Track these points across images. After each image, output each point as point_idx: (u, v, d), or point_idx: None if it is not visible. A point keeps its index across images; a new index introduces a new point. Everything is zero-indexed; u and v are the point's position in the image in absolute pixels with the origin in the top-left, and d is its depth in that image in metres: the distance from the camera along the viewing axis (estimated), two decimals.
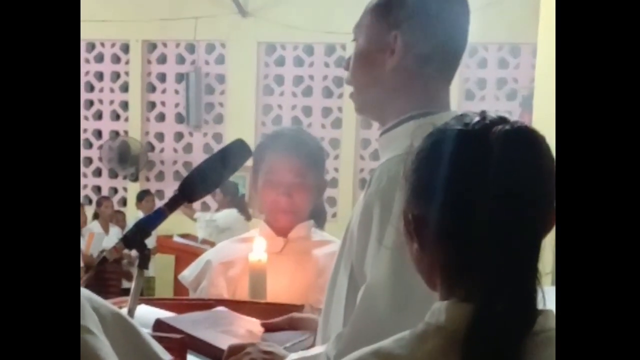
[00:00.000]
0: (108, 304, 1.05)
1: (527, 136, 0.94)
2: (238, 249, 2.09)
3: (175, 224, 6.33)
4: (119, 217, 7.87)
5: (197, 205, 7.71)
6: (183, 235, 7.23)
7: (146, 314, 1.62)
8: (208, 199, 7.90)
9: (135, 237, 1.50)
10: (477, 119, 0.96)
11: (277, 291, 1.96)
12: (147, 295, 5.71)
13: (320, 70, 8.18)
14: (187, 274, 2.11)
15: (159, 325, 1.56)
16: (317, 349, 1.43)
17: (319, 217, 2.17)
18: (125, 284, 7.27)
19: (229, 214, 6.98)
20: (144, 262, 1.51)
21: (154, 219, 1.53)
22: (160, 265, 7.17)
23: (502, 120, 0.95)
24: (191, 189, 1.56)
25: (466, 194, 0.93)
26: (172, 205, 1.54)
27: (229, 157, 1.63)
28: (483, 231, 0.91)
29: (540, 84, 5.74)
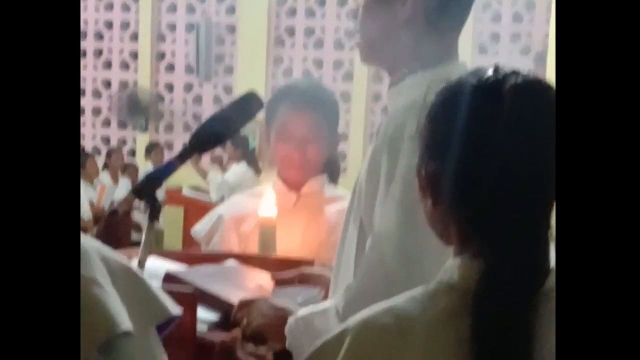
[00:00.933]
0: (117, 255, 1.03)
1: (539, 88, 0.93)
2: (250, 204, 2.07)
3: (184, 177, 6.33)
4: (130, 169, 7.86)
5: (207, 158, 7.71)
6: (192, 188, 7.24)
7: (156, 267, 1.61)
8: (218, 150, 7.90)
9: (146, 189, 1.48)
10: (490, 73, 0.95)
11: (288, 247, 1.94)
12: (156, 247, 5.73)
13: (332, 22, 8.09)
14: (199, 229, 2.10)
15: (168, 278, 1.55)
16: (327, 303, 1.42)
17: (332, 172, 2.13)
18: (135, 236, 7.30)
19: (238, 170, 6.97)
20: (154, 214, 1.49)
21: (165, 170, 1.51)
22: (169, 218, 7.19)
23: (516, 73, 0.94)
24: (202, 141, 1.54)
25: (480, 149, 0.92)
26: (183, 157, 1.52)
27: (241, 109, 1.60)
28: (496, 187, 0.90)
29: (554, 39, 5.66)
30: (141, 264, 1.45)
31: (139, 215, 7.21)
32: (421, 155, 1.00)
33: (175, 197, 6.99)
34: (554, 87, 0.93)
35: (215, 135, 1.55)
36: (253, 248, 1.97)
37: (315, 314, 1.41)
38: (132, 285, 1.01)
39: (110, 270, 0.98)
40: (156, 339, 1.03)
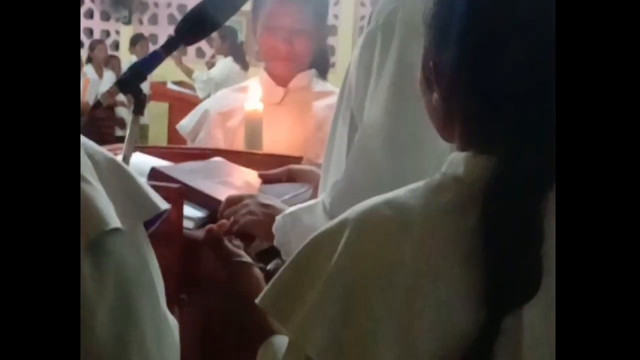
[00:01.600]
0: (103, 149, 1.00)
1: None
2: (236, 99, 2.03)
3: (169, 71, 6.24)
4: (113, 62, 7.73)
5: (192, 51, 7.57)
6: (177, 83, 7.14)
7: (141, 163, 1.58)
8: (203, 44, 7.76)
9: (131, 81, 1.44)
10: None
11: (275, 143, 1.92)
12: (140, 143, 5.69)
13: None
14: (185, 124, 2.07)
15: (154, 173, 1.52)
16: (314, 200, 1.40)
17: (321, 66, 2.08)
18: (118, 132, 7.25)
19: (224, 66, 6.87)
20: (139, 108, 1.45)
21: (150, 62, 1.46)
22: (153, 113, 7.12)
23: None
24: (188, 31, 1.48)
25: (492, 38, 0.88)
26: (169, 47, 1.47)
27: None
28: (509, 78, 0.87)
29: None
30: (126, 159, 1.42)
31: (124, 111, 7.14)
32: (429, 44, 0.95)
33: (160, 92, 6.90)
34: None
35: (201, 24, 1.49)
36: (239, 144, 1.95)
37: (303, 209, 1.39)
38: (119, 181, 0.98)
39: (97, 166, 0.95)
40: (144, 235, 1.02)
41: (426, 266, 0.86)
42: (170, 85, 7.09)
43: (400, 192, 0.92)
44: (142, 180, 1.04)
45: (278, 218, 1.41)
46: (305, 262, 0.91)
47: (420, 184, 0.92)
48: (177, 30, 1.48)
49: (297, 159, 1.81)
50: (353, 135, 1.35)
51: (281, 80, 2.00)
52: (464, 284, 0.85)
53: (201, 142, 2.01)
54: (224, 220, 1.36)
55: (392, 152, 1.25)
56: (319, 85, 2.04)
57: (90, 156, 0.95)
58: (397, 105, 1.24)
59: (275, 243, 1.41)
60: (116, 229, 0.91)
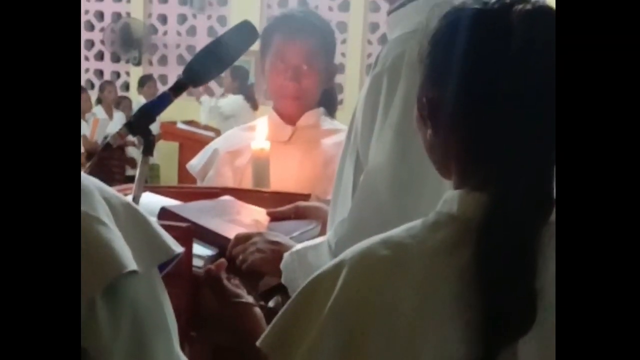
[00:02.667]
0: (118, 194, 1.02)
1: (549, 15, 0.90)
2: (245, 138, 2.05)
3: (179, 111, 6.26)
4: (124, 103, 7.79)
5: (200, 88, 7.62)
6: (187, 122, 7.19)
7: (151, 202, 1.60)
8: (212, 84, 7.82)
9: (140, 123, 1.46)
10: None
11: (284, 181, 1.93)
12: (151, 182, 5.72)
13: None
14: (195, 163, 2.08)
15: (164, 213, 1.54)
16: (321, 237, 1.41)
17: (329, 104, 2.10)
18: (129, 171, 7.29)
19: (235, 101, 6.90)
20: (148, 149, 1.47)
21: (159, 103, 1.48)
22: (164, 153, 7.16)
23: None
24: (196, 73, 1.51)
25: (485, 76, 0.90)
26: (177, 89, 1.49)
27: (235, 39, 1.56)
28: (502, 115, 0.88)
29: None
30: (136, 199, 1.44)
31: (135, 151, 7.18)
32: (423, 81, 0.97)
33: (170, 131, 6.95)
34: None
35: (209, 66, 1.51)
36: (247, 182, 1.96)
37: (309, 247, 1.40)
38: (134, 224, 0.99)
39: (114, 209, 0.96)
40: (158, 278, 1.02)
41: (423, 304, 0.87)
42: (180, 125, 7.14)
43: (396, 231, 0.93)
44: (157, 224, 1.05)
45: (286, 255, 1.42)
46: (304, 305, 0.92)
47: (416, 222, 0.93)
48: (185, 72, 1.51)
49: (306, 197, 1.82)
50: (359, 175, 1.37)
51: (289, 118, 2.02)
52: (461, 320, 0.86)
53: (210, 180, 2.02)
54: (222, 260, 1.37)
55: (397, 192, 1.27)
56: (327, 123, 2.06)
57: (107, 200, 0.96)
58: (401, 146, 1.26)
59: (282, 280, 1.42)
60: (132, 272, 0.92)
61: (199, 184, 2.07)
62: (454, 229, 0.90)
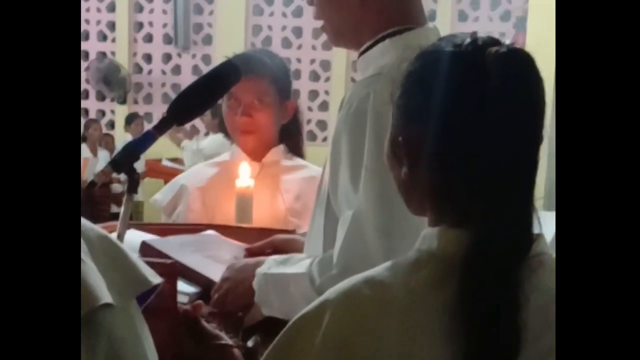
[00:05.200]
0: (95, 227, 1.02)
1: (523, 58, 0.92)
2: (213, 173, 2.09)
3: (164, 148, 6.29)
4: (107, 140, 7.80)
5: (186, 127, 7.65)
6: (172, 160, 7.20)
7: (135, 239, 1.60)
8: (197, 121, 7.85)
9: (124, 161, 1.47)
10: (468, 40, 0.94)
11: (257, 216, 1.96)
12: (135, 219, 5.70)
13: None
14: (160, 198, 2.11)
15: (145, 247, 1.54)
16: (300, 267, 1.41)
17: (290, 141, 2.13)
18: (114, 208, 7.26)
19: (215, 140, 6.92)
20: (133, 187, 1.47)
21: (143, 142, 1.50)
22: (149, 190, 7.12)
23: (495, 41, 0.94)
24: (181, 112, 1.52)
25: (460, 116, 0.91)
26: (162, 128, 1.50)
27: (219, 78, 1.58)
28: (478, 154, 0.90)
29: (534, 4, 5.65)
30: (120, 237, 1.44)
31: (119, 187, 7.17)
32: (397, 121, 0.98)
33: (155, 168, 6.95)
34: (532, 57, 0.93)
35: (193, 105, 1.53)
36: (219, 218, 1.98)
37: (289, 276, 1.40)
38: (111, 257, 0.99)
39: (88, 241, 0.97)
40: (137, 310, 1.02)
41: (408, 343, 0.87)
42: (166, 162, 7.15)
43: (378, 270, 0.94)
44: (135, 256, 1.06)
45: (258, 273, 1.43)
46: (287, 348, 0.92)
47: (397, 260, 0.94)
48: (169, 110, 1.52)
49: (290, 232, 1.83)
50: (329, 214, 1.40)
51: (255, 155, 2.06)
52: (445, 357, 0.87)
53: (181, 215, 2.05)
54: (199, 302, 1.37)
55: (384, 236, 1.28)
56: (289, 161, 2.10)
57: (83, 233, 0.96)
58: (383, 188, 1.26)
59: (255, 299, 1.43)
60: (107, 305, 0.92)
61: (164, 219, 2.09)
62: (435, 267, 0.91)
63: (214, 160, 2.19)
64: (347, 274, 1.15)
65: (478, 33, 0.96)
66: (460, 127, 0.91)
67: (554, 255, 0.91)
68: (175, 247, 1.57)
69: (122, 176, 1.52)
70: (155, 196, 2.12)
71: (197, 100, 1.54)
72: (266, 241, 1.73)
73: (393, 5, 1.41)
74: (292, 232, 1.84)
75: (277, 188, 2.04)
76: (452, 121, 0.92)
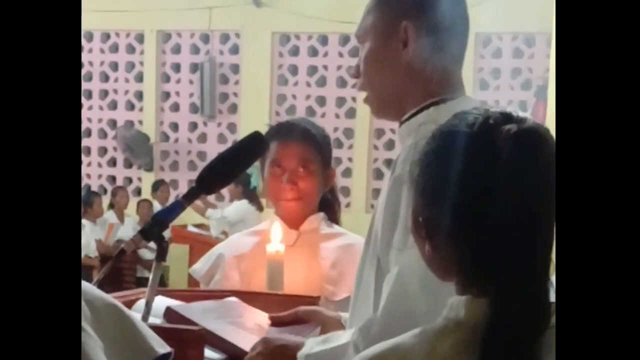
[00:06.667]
0: (103, 294, 1.03)
1: (535, 136, 0.95)
2: (250, 242, 2.09)
3: (189, 214, 6.35)
4: (144, 206, 7.76)
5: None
6: (197, 225, 7.26)
7: (161, 305, 1.62)
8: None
9: (153, 230, 1.51)
10: (480, 119, 0.96)
11: (292, 284, 1.95)
12: (160, 283, 5.70)
13: (334, 60, 8.16)
14: (199, 268, 2.11)
15: (169, 313, 1.55)
16: (344, 339, 1.39)
17: (329, 210, 2.15)
18: (139, 272, 7.30)
19: (240, 207, 6.99)
20: (162, 255, 1.51)
21: (172, 211, 1.54)
22: (174, 255, 7.15)
23: (507, 118, 0.96)
24: (209, 181, 1.56)
25: (476, 195, 0.94)
26: (190, 197, 1.54)
27: (246, 149, 1.63)
28: (495, 231, 0.92)
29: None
30: (149, 304, 1.47)
31: (147, 253, 7.21)
32: (415, 202, 1.01)
33: (181, 234, 7.00)
34: (547, 132, 0.95)
35: (221, 176, 1.57)
36: (255, 286, 1.98)
37: (335, 349, 1.39)
38: (119, 326, 1.01)
39: (95, 310, 0.98)
40: None
41: None
42: (191, 228, 7.21)
43: (405, 338, 0.95)
44: (143, 325, 1.05)
45: (300, 356, 1.41)
46: None
47: (425, 328, 0.96)
48: (197, 181, 1.56)
49: (315, 299, 1.84)
50: (380, 280, 1.38)
51: (292, 222, 2.05)
52: None
53: (217, 284, 2.05)
54: None
55: (426, 294, 1.26)
56: (327, 229, 2.10)
57: (90, 302, 0.98)
58: None
59: None
60: None
61: (202, 288, 2.09)
62: (462, 335, 0.93)
63: (252, 229, 2.19)
64: (388, 331, 1.15)
65: (490, 109, 0.98)
66: (476, 206, 0.94)
67: None
68: (199, 313, 1.58)
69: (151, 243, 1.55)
70: (194, 266, 2.13)
71: (225, 171, 1.58)
72: (290, 312, 1.72)
73: (435, 75, 1.45)
74: (317, 299, 1.85)
75: (315, 255, 2.03)
76: (468, 201, 0.94)
